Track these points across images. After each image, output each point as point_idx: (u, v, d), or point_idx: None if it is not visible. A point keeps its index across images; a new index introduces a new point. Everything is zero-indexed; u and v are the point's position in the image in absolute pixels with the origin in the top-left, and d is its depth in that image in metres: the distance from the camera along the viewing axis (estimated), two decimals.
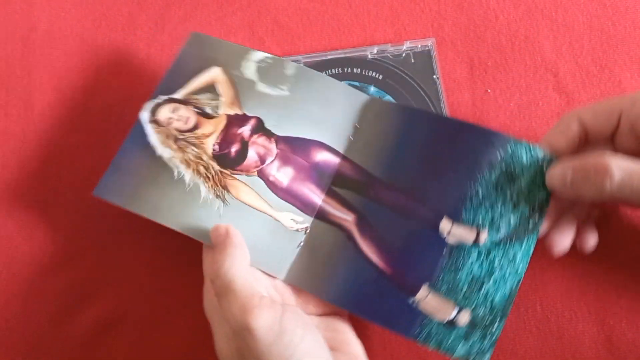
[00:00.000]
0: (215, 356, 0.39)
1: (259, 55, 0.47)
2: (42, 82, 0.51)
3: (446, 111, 0.49)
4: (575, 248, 0.44)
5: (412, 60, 0.50)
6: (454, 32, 0.52)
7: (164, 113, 0.46)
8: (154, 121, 0.46)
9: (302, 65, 0.46)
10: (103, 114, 0.51)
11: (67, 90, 0.51)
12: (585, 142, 0.42)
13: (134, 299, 0.48)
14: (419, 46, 0.50)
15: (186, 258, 0.45)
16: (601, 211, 0.45)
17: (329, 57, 0.46)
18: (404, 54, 0.50)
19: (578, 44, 0.51)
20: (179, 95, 0.46)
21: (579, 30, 0.51)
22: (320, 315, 0.43)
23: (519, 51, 0.51)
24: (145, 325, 0.47)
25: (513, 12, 0.52)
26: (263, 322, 0.36)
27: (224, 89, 0.46)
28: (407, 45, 0.50)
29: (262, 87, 0.46)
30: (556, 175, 0.40)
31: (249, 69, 0.46)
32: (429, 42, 0.50)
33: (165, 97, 0.46)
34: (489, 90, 0.50)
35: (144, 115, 0.46)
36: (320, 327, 0.42)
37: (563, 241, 0.42)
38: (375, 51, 0.50)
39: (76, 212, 0.49)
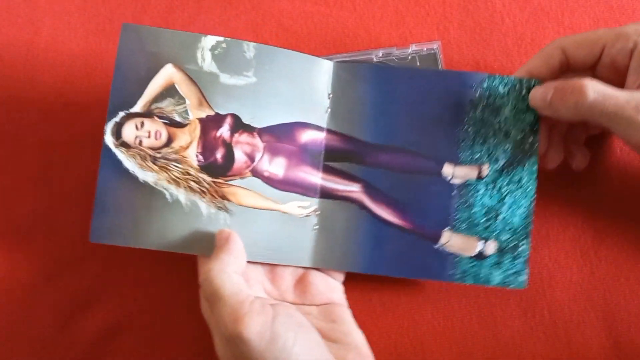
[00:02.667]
0: None
1: (210, 40, 0.43)
2: (46, 86, 0.51)
3: None
4: (578, 256, 0.44)
5: (418, 64, 0.50)
6: (459, 34, 0.51)
7: (129, 132, 0.41)
8: (122, 144, 0.41)
9: (259, 44, 0.43)
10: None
11: (71, 94, 0.51)
12: (566, 70, 0.44)
13: (138, 306, 0.47)
14: (425, 49, 0.50)
15: (190, 265, 0.44)
16: (589, 137, 0.47)
17: (334, 60, 0.45)
18: (409, 57, 0.50)
19: None
20: (137, 107, 0.42)
21: None
22: (319, 305, 0.43)
23: (526, 54, 0.50)
24: (149, 333, 0.47)
25: (519, 15, 0.51)
26: (254, 328, 0.36)
27: (186, 90, 0.42)
28: (412, 48, 0.50)
29: (225, 79, 0.43)
30: (538, 94, 0.42)
31: (206, 60, 0.42)
32: (435, 45, 0.50)
33: (123, 114, 0.42)
34: None
35: (108, 140, 0.41)
36: (319, 318, 0.42)
37: (554, 157, 0.45)
38: (380, 54, 0.50)
39: (78, 218, 0.49)
